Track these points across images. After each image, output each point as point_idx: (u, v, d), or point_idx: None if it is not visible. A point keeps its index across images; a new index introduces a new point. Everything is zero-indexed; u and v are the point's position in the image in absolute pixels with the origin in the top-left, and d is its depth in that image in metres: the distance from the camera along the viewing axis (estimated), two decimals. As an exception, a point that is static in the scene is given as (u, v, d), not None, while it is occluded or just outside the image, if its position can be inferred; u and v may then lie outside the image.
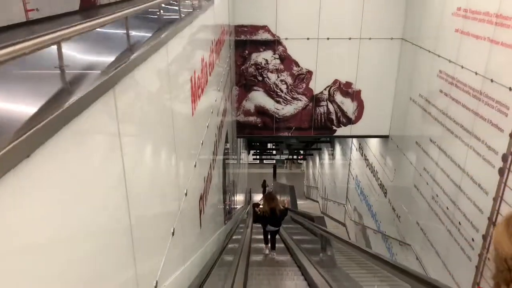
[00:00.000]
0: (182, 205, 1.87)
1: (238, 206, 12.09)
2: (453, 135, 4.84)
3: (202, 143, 2.56)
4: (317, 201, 16.16)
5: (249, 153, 18.18)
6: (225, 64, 5.11)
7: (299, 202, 14.42)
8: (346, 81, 6.81)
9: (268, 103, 6.97)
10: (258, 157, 19.58)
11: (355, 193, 9.89)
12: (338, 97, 6.93)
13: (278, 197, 6.47)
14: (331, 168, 13.40)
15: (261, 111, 7.02)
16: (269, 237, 5.13)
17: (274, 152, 18.34)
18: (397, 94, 6.74)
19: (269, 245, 5.26)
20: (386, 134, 7.17)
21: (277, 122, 7.11)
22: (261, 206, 5.09)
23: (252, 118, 7.09)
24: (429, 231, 5.57)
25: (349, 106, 6.98)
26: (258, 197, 13.99)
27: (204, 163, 2.78)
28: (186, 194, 1.95)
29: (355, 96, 6.90)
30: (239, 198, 11.83)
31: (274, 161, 20.20)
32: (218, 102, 3.65)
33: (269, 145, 17.59)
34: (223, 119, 3.95)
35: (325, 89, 6.88)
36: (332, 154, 12.97)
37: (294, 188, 11.48)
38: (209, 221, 3.05)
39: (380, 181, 7.71)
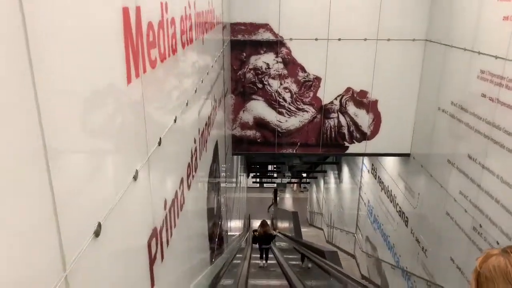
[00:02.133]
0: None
1: (236, 233, 10.96)
2: (504, 148, 3.81)
3: (159, 143, 1.54)
4: (322, 229, 14.96)
5: (248, 176, 17.12)
6: (215, 64, 4.16)
7: (302, 230, 13.25)
8: (360, 90, 5.84)
9: (269, 115, 5.98)
10: (258, 180, 18.46)
11: (367, 221, 8.76)
12: (351, 108, 5.94)
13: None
14: (338, 192, 12.29)
15: (261, 123, 6.02)
16: (263, 253, 7.95)
17: (275, 175, 17.23)
18: (421, 104, 5.75)
19: (263, 260, 7.99)
20: (407, 152, 6.14)
21: (279, 137, 6.10)
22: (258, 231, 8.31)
23: (250, 132, 6.08)
24: (469, 271, 4.46)
25: (363, 118, 5.99)
26: (257, 223, 13.56)
27: (168, 179, 1.75)
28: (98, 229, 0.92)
29: (371, 107, 5.92)
30: (237, 224, 10.70)
31: (275, 185, 19.08)
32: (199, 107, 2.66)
33: (270, 167, 16.52)
34: (206, 130, 2.93)
35: (335, 98, 5.90)
36: (339, 177, 11.89)
37: (297, 214, 10.36)
38: (177, 269, 1.98)
39: (400, 207, 6.62)
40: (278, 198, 19.22)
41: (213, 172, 3.53)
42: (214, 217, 3.71)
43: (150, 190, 1.44)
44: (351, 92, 5.85)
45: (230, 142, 5.99)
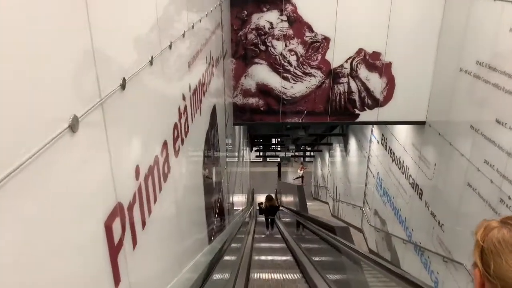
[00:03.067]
0: None
1: (240, 208, 10.66)
2: (542, 111, 3.34)
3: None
4: (327, 203, 14.66)
5: (251, 150, 16.72)
6: (211, 16, 3.65)
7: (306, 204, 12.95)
8: (373, 51, 5.32)
9: (273, 80, 5.49)
10: (261, 154, 18.07)
11: (376, 194, 8.38)
12: (363, 72, 5.44)
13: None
14: (344, 165, 11.88)
15: (264, 90, 5.54)
16: (269, 223, 8.85)
17: (279, 148, 16.81)
18: (439, 66, 5.22)
19: (269, 228, 8.92)
20: (422, 119, 5.66)
21: (284, 105, 5.63)
22: (264, 204, 9.07)
23: (252, 100, 5.61)
24: (494, 247, 4.07)
25: (376, 83, 5.48)
26: (261, 198, 13.39)
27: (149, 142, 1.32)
28: None
29: (384, 70, 5.40)
30: (240, 199, 10.39)
31: (278, 159, 18.69)
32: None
33: (274, 141, 16.08)
34: (201, 89, 2.48)
35: (346, 61, 5.39)
36: (345, 150, 11.46)
37: (302, 188, 9.99)
38: (161, 256, 1.57)
39: (413, 179, 6.20)
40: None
41: (210, 140, 3.09)
42: (214, 190, 3.30)
43: (109, 151, 1.00)
44: (363, 53, 5.33)
45: (231, 111, 5.53)
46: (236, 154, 7.54)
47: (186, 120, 1.99)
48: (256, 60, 5.37)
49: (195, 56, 2.29)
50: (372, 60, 5.36)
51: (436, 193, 5.36)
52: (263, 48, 5.30)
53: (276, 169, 19.43)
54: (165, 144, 1.57)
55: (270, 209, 8.86)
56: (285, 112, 5.67)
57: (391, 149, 7.29)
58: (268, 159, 19.63)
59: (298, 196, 9.35)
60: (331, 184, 13.94)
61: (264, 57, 5.35)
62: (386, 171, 7.56)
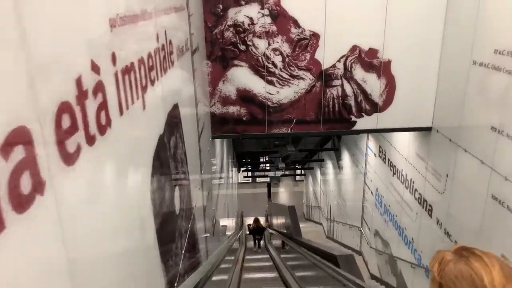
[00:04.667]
0: None
1: (228, 233, 9.86)
2: None
3: None
4: (321, 224, 13.81)
5: (239, 171, 15.89)
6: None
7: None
8: (369, 48, 4.64)
9: (257, 85, 4.75)
10: (249, 174, 17.22)
11: (375, 212, 7.60)
12: (359, 72, 4.74)
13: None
14: (338, 182, 11.12)
15: (246, 97, 4.79)
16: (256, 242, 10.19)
17: (268, 166, 16.00)
18: (446, 61, 4.56)
19: (256, 246, 10.21)
20: (428, 125, 4.96)
21: (270, 113, 4.88)
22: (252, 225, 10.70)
23: (233, 109, 4.85)
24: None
25: (374, 85, 4.79)
26: (251, 221, 12.96)
27: None
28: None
29: (383, 69, 4.72)
30: (228, 223, 9.55)
31: (268, 179, 17.86)
32: None
33: (262, 159, 15.28)
34: (144, 69, 1.71)
35: (338, 60, 4.69)
36: (338, 165, 10.71)
37: (294, 209, 9.15)
38: None
39: (419, 194, 5.45)
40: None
41: (169, 151, 2.29)
42: (177, 220, 2.48)
43: None
44: (357, 51, 4.64)
45: (208, 121, 4.75)
46: (220, 175, 6.72)
47: (103, 107, 1.20)
48: (236, 62, 4.64)
49: (129, 19, 1.52)
50: (368, 59, 4.68)
51: (450, 208, 4.61)
52: (243, 48, 4.58)
53: (266, 189, 18.58)
54: (28, 139, 0.78)
55: (257, 230, 10.61)
56: (272, 121, 4.91)
57: (390, 162, 6.56)
58: (258, 179, 18.80)
59: (290, 218, 8.49)
60: (324, 204, 13.13)
61: (245, 58, 4.62)
62: (387, 186, 6.81)
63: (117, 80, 1.35)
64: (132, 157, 1.53)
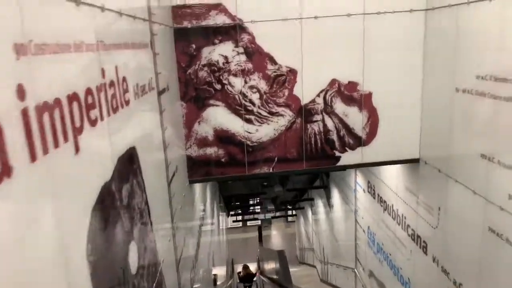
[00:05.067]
0: None
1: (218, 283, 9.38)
2: None
3: None
4: (314, 266, 13.24)
5: (228, 215, 15.40)
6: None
7: (291, 269, 11.55)
8: (348, 81, 4.51)
9: (234, 124, 4.54)
10: (238, 218, 16.69)
11: (369, 251, 7.22)
12: (339, 106, 4.58)
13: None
14: (329, 221, 10.74)
15: (224, 137, 4.56)
16: None
17: (258, 209, 15.54)
18: (428, 90, 4.43)
19: None
20: (415, 156, 4.76)
21: (250, 153, 4.64)
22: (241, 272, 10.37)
23: (211, 150, 4.60)
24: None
25: (356, 118, 4.62)
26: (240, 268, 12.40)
27: None
28: None
29: (364, 102, 4.57)
30: (216, 272, 9.04)
31: (259, 222, 17.32)
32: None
33: (251, 202, 14.85)
34: (86, 114, 1.47)
35: (318, 95, 4.54)
36: (329, 203, 10.39)
37: (284, 253, 8.69)
38: None
39: (412, 230, 5.15)
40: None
41: (119, 202, 2.01)
42: (132, 279, 2.14)
43: None
44: (337, 85, 4.51)
45: (184, 166, 4.48)
46: (202, 221, 6.36)
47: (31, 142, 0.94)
48: (211, 101, 4.45)
49: (52, 48, 1.29)
50: (348, 92, 4.53)
51: (445, 244, 4.31)
52: (218, 87, 4.41)
53: (257, 233, 17.98)
54: None
55: (247, 277, 10.70)
56: (252, 161, 4.66)
57: (380, 197, 6.30)
58: (248, 223, 18.22)
59: (280, 263, 8.04)
60: (317, 245, 12.66)
61: (221, 97, 4.44)
62: (378, 223, 6.50)
63: (26, 119, 1.09)
64: (54, 212, 1.24)
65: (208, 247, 6.90)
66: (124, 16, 2.33)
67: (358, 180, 7.49)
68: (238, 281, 11.33)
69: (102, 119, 1.83)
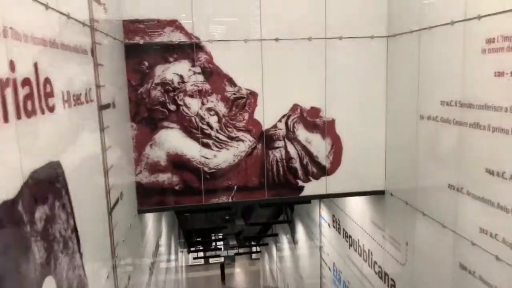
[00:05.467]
0: None
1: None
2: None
3: None
4: (279, 306, 12.60)
5: (189, 251, 14.62)
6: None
7: (256, 310, 10.92)
8: (311, 107, 4.32)
9: (190, 148, 4.19)
10: (199, 254, 15.89)
11: (335, 290, 6.84)
12: (302, 133, 4.35)
13: None
14: (294, 258, 10.32)
15: (178, 162, 4.20)
16: None
17: (222, 245, 14.86)
18: (392, 118, 4.30)
19: None
20: (380, 188, 4.55)
21: (207, 180, 4.27)
22: None
23: (163, 177, 4.20)
24: None
25: (319, 146, 4.39)
26: None
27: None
28: None
29: (328, 129, 4.37)
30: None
31: (222, 259, 16.57)
32: None
33: (214, 237, 14.18)
34: None
35: (279, 120, 4.30)
36: (293, 239, 10.01)
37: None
38: None
39: (379, 266, 4.86)
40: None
41: (35, 224, 1.61)
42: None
43: None
44: (299, 110, 4.30)
45: (132, 193, 4.05)
46: (155, 258, 5.82)
47: None
48: (165, 123, 4.11)
49: None
50: (310, 118, 4.33)
51: (414, 282, 4.03)
52: (173, 107, 4.09)
53: (219, 271, 17.15)
54: None
55: None
56: (210, 190, 4.30)
57: (345, 232, 6.02)
58: (210, 260, 17.38)
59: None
60: (281, 283, 12.11)
61: (176, 119, 4.11)
62: (344, 260, 6.18)
63: None
64: None
65: (162, 287, 6.29)
66: (51, 10, 2.01)
67: (322, 214, 7.22)
68: None
69: (6, 120, 1.46)
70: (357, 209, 5.46)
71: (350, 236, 5.80)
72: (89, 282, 2.36)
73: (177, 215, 9.25)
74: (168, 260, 7.61)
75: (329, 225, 6.86)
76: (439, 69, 3.42)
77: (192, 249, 13.72)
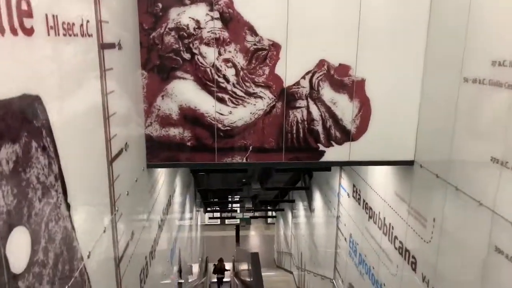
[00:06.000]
0: None
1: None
2: None
3: None
4: (291, 272, 12.61)
5: (205, 211, 14.70)
6: None
7: (267, 273, 10.90)
8: (339, 64, 3.89)
9: (204, 103, 3.88)
10: (215, 215, 15.98)
11: (349, 262, 6.62)
12: (327, 92, 3.95)
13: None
14: (309, 226, 10.13)
15: (191, 117, 3.90)
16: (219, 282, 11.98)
17: (238, 207, 14.84)
18: (431, 79, 3.83)
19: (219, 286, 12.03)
20: (410, 158, 4.16)
21: (221, 138, 3.98)
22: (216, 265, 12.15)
23: (175, 131, 3.93)
24: None
25: (345, 108, 4.00)
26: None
27: None
28: None
29: (356, 90, 3.95)
30: (187, 269, 8.42)
31: (237, 221, 16.63)
32: None
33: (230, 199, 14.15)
34: None
35: (303, 77, 3.90)
36: (310, 207, 9.77)
37: (258, 256, 8.04)
38: None
39: (400, 242, 4.55)
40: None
41: (15, 163, 1.35)
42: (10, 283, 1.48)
43: None
44: (326, 67, 3.88)
45: (141, 146, 3.81)
46: (164, 215, 5.69)
47: None
48: (178, 73, 3.78)
49: None
50: (338, 76, 3.91)
51: (439, 262, 3.70)
52: (187, 56, 3.75)
53: (234, 232, 17.28)
54: None
55: (220, 270, 12.10)
56: (223, 148, 4.01)
57: (366, 204, 5.69)
58: (226, 221, 17.51)
59: (252, 267, 7.39)
60: (295, 250, 12.04)
61: (190, 69, 3.78)
62: (362, 232, 5.89)
63: None
64: None
65: (172, 243, 6.22)
66: None
67: (342, 183, 6.89)
68: (213, 272, 12.65)
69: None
70: (380, 179, 5.10)
71: (371, 208, 5.47)
72: (79, 235, 2.14)
73: (193, 174, 9.11)
74: (182, 218, 7.53)
75: (348, 195, 6.55)
76: (494, 21, 2.91)
77: (208, 209, 13.77)
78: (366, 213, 5.63)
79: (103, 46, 2.58)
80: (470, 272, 3.15)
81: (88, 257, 2.28)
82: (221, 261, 12.38)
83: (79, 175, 2.18)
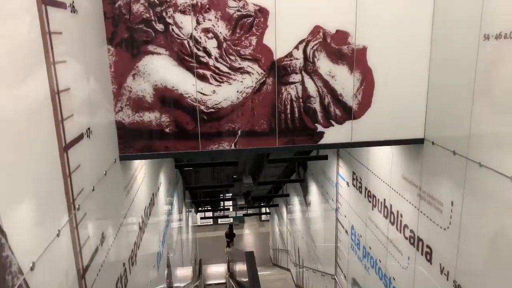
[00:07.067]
0: None
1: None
2: None
3: None
4: (289, 270, 12.14)
5: (197, 211, 14.14)
6: None
7: (263, 273, 10.42)
8: (337, 30, 3.39)
9: (183, 81, 3.35)
10: (206, 214, 15.42)
11: (352, 256, 6.15)
12: (324, 64, 3.45)
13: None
14: (306, 220, 9.65)
15: (168, 98, 3.37)
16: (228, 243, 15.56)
17: (230, 207, 14.30)
18: (441, 42, 3.35)
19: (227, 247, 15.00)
20: (419, 136, 3.68)
21: (204, 122, 3.45)
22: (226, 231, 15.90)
23: (150, 116, 3.39)
24: None
25: (345, 81, 3.50)
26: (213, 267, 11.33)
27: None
28: None
29: (357, 60, 3.46)
30: (180, 272, 7.92)
31: (231, 220, 16.11)
32: None
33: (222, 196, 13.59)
34: None
35: (296, 47, 3.39)
36: (305, 200, 9.29)
37: (253, 255, 7.52)
38: None
39: (411, 231, 4.08)
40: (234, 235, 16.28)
41: None
42: None
43: None
44: (321, 34, 3.38)
45: (112, 134, 3.27)
46: (144, 217, 5.15)
47: None
48: (151, 47, 3.24)
49: None
50: (336, 45, 3.41)
51: (460, 251, 3.23)
52: (160, 27, 3.21)
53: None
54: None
55: (230, 235, 15.41)
56: (208, 134, 3.48)
57: (368, 192, 5.22)
58: (219, 220, 16.98)
59: (248, 266, 6.88)
60: (291, 246, 11.56)
61: (164, 42, 3.24)
62: (365, 222, 5.42)
63: None
64: None
65: (159, 246, 5.67)
66: None
67: (340, 172, 6.42)
68: (225, 236, 15.80)
69: None
70: (384, 163, 4.63)
71: (374, 196, 5.00)
72: (13, 242, 1.59)
73: (180, 171, 8.56)
74: (169, 219, 6.98)
75: (347, 184, 6.07)
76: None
77: (200, 209, 13.20)
78: (369, 201, 5.16)
79: (46, 2, 2.04)
80: (502, 261, 2.68)
81: (32, 269, 1.74)
82: (230, 228, 15.66)
83: (10, 163, 1.64)
